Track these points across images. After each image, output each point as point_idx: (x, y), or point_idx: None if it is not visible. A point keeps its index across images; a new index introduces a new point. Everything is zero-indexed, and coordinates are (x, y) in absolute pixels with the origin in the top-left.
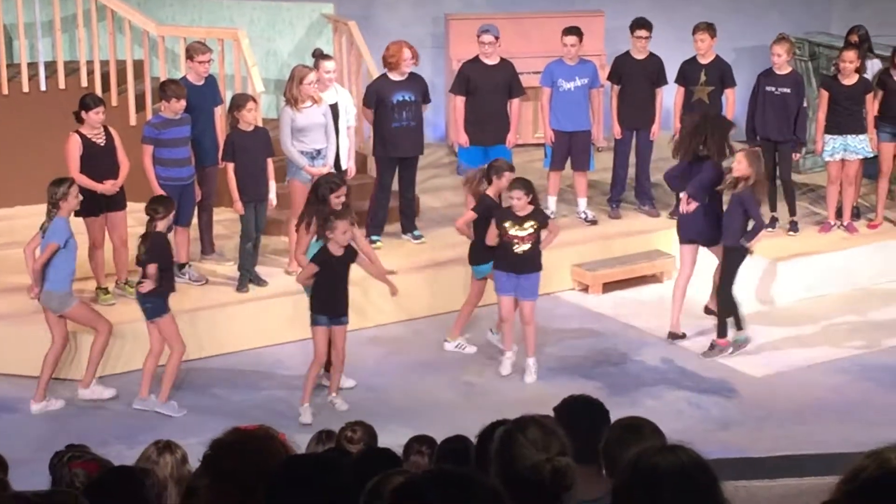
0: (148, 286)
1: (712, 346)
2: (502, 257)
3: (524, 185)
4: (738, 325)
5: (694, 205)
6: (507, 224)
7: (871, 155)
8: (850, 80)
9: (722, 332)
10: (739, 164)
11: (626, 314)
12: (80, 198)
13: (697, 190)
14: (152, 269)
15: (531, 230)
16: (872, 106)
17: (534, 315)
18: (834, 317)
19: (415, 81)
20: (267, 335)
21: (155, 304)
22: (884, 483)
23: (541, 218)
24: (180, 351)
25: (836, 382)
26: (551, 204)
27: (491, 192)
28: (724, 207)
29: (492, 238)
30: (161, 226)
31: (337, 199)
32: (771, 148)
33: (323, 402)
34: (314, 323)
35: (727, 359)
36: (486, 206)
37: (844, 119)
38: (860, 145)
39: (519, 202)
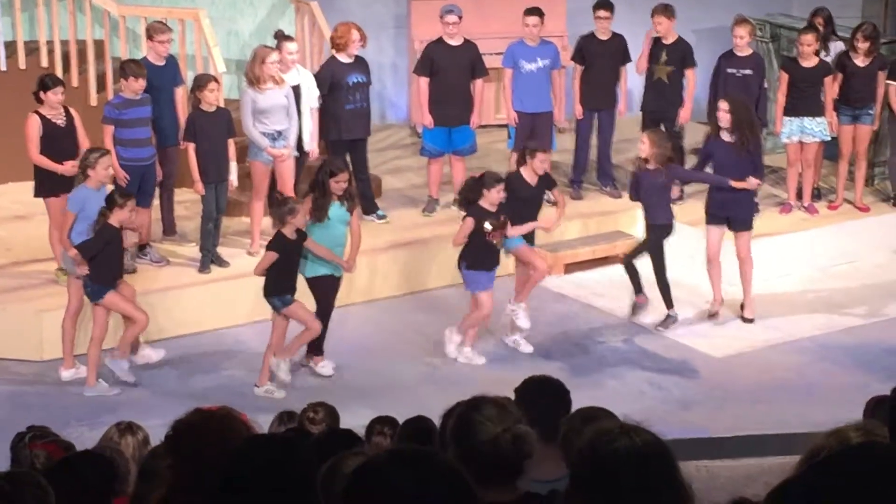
0: (83, 270)
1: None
2: (486, 257)
3: (501, 179)
4: (667, 303)
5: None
6: (487, 224)
7: (829, 138)
8: (809, 62)
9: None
10: (643, 145)
11: (587, 295)
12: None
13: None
14: (72, 252)
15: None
16: (831, 89)
17: None
18: (794, 297)
19: (362, 63)
20: (228, 316)
21: (93, 289)
22: (844, 460)
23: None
24: (141, 320)
25: (796, 362)
26: None
27: (484, 203)
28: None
29: (460, 239)
30: (113, 218)
31: (337, 185)
32: None
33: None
34: (283, 304)
35: (688, 339)
36: (479, 214)
37: (802, 101)
38: (818, 128)
39: (499, 195)
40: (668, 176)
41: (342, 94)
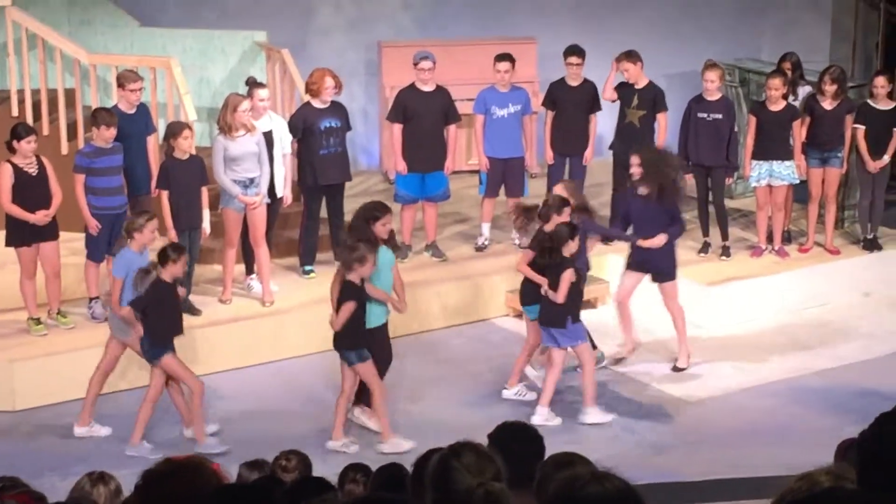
0: (138, 330)
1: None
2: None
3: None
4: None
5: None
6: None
7: (798, 181)
8: (776, 106)
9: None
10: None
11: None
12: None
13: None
14: (124, 311)
15: None
16: (799, 132)
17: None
18: (766, 340)
19: (338, 108)
20: (201, 365)
21: (151, 351)
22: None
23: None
24: (197, 388)
25: (768, 406)
26: (485, 230)
27: (549, 227)
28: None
29: (564, 294)
30: (166, 274)
31: (383, 228)
32: (703, 173)
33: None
34: (358, 359)
35: (660, 384)
36: (540, 240)
37: (771, 145)
38: (786, 171)
39: (575, 244)
40: (581, 227)
41: (315, 139)
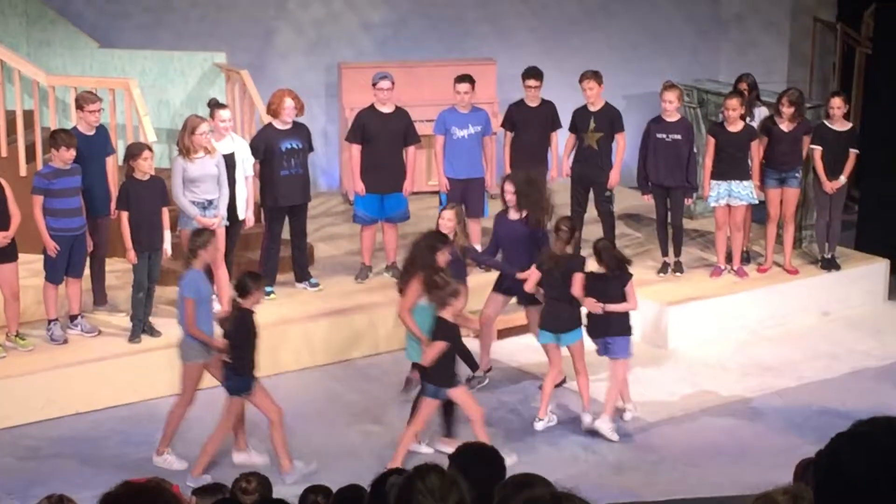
0: (224, 358)
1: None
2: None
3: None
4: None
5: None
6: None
7: (756, 201)
8: (734, 127)
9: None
10: (449, 222)
11: (521, 361)
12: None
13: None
14: (219, 343)
15: None
16: (757, 153)
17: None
18: (725, 360)
19: (300, 129)
20: (161, 387)
21: (237, 382)
22: None
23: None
24: (276, 420)
25: (728, 425)
26: None
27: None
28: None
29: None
30: (249, 303)
31: (444, 258)
32: (663, 194)
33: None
34: (433, 396)
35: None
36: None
37: (729, 165)
38: (744, 191)
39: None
40: (464, 255)
41: (276, 160)
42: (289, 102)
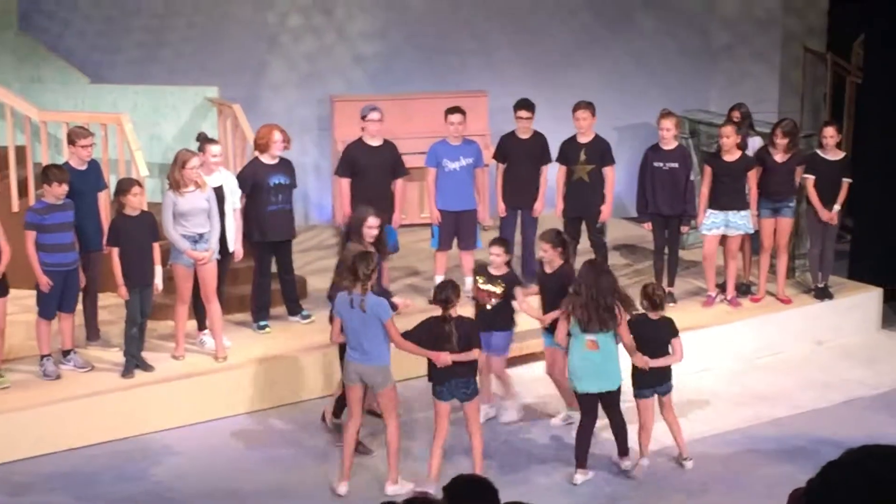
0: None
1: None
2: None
3: (503, 243)
4: None
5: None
6: (480, 278)
7: (753, 230)
8: (731, 156)
9: None
10: (497, 257)
11: (517, 391)
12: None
13: None
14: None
15: (500, 290)
16: (755, 183)
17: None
18: (719, 390)
19: (286, 165)
20: (154, 421)
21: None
22: None
23: (510, 281)
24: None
25: (723, 455)
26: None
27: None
28: None
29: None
30: (453, 312)
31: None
32: (662, 223)
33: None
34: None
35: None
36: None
37: (726, 195)
38: (741, 221)
39: (497, 259)
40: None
41: (264, 195)
42: (277, 136)
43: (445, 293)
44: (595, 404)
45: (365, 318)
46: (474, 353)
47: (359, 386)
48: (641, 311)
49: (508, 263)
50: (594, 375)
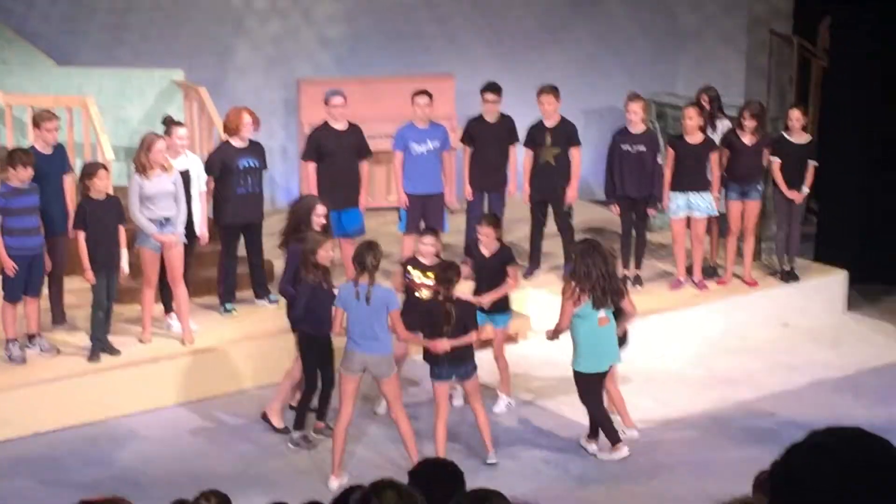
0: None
1: None
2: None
3: (434, 233)
4: None
5: None
6: (413, 270)
7: (716, 213)
8: (694, 138)
9: None
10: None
11: (481, 375)
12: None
13: None
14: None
15: (431, 282)
16: (717, 165)
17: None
18: (686, 373)
19: (256, 148)
20: (120, 405)
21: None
22: None
23: (441, 275)
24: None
25: (689, 438)
26: None
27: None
28: None
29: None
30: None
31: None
32: (629, 206)
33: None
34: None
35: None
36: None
37: (688, 177)
38: (704, 203)
39: (428, 248)
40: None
41: (233, 178)
42: (247, 119)
43: (449, 273)
44: (602, 381)
45: (371, 308)
46: (472, 336)
47: (357, 377)
48: None
49: (439, 255)
50: (604, 353)
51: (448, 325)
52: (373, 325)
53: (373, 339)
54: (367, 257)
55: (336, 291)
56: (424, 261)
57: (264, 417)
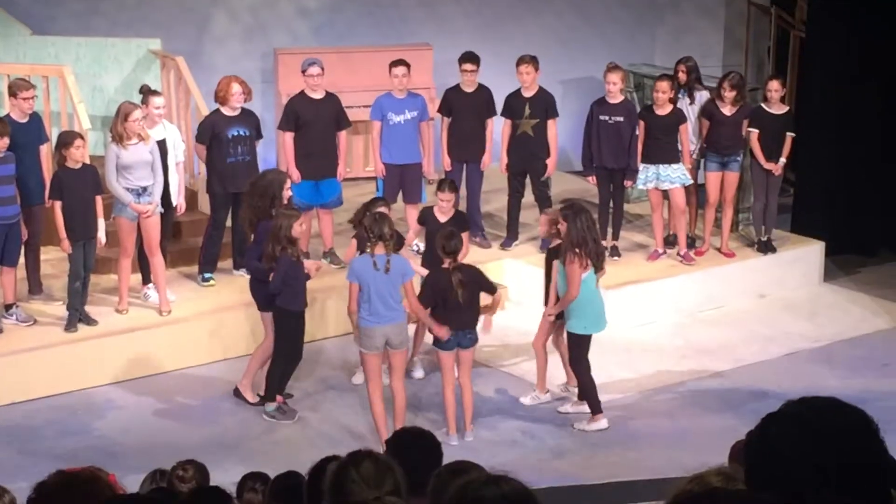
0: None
1: None
2: None
3: (453, 188)
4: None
5: None
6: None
7: (690, 182)
8: (663, 110)
9: None
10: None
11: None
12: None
13: None
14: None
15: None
16: (686, 137)
17: None
18: (663, 344)
19: (248, 117)
20: (97, 375)
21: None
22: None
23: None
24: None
25: (666, 408)
26: None
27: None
28: None
29: None
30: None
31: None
32: (607, 176)
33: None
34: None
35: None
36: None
37: (657, 149)
38: (675, 174)
39: (446, 204)
40: None
41: (223, 146)
42: (236, 88)
43: (454, 243)
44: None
45: (389, 278)
46: (497, 297)
47: (380, 354)
48: None
49: (456, 207)
50: (601, 315)
51: (454, 294)
52: (393, 295)
53: (394, 308)
54: (383, 227)
55: (307, 264)
56: (442, 217)
57: (236, 393)
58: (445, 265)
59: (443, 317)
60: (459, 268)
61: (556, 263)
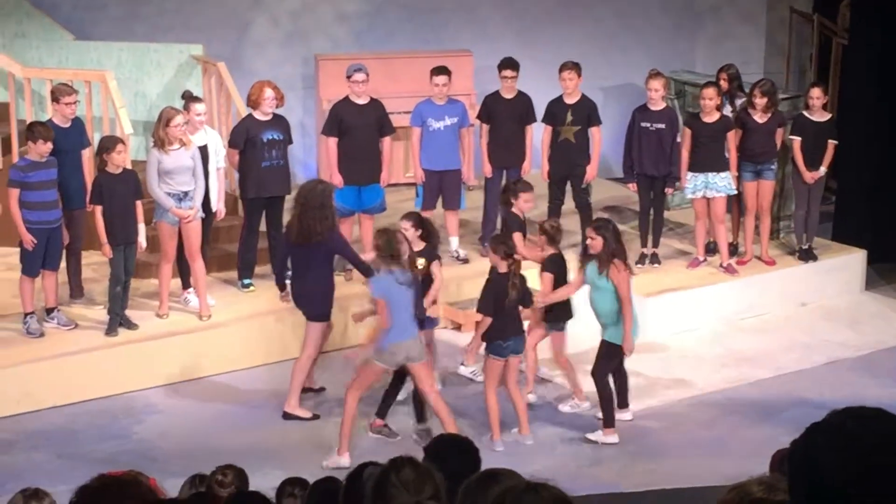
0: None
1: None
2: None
3: (530, 188)
4: None
5: None
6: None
7: (735, 191)
8: (710, 117)
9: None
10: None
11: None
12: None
13: None
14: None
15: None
16: (734, 144)
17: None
18: (702, 352)
19: (280, 121)
20: (138, 379)
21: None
22: None
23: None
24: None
25: (706, 417)
26: None
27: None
28: None
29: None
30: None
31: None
32: (647, 184)
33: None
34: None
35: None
36: (554, 262)
37: (706, 157)
38: (722, 183)
39: (527, 204)
40: None
41: (257, 151)
42: (269, 93)
43: (507, 245)
44: None
45: (412, 292)
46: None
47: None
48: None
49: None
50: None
51: (509, 298)
52: (412, 309)
53: (413, 323)
54: (400, 245)
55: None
56: (523, 217)
57: (286, 417)
58: (504, 270)
59: (501, 322)
60: (516, 272)
61: (546, 275)
